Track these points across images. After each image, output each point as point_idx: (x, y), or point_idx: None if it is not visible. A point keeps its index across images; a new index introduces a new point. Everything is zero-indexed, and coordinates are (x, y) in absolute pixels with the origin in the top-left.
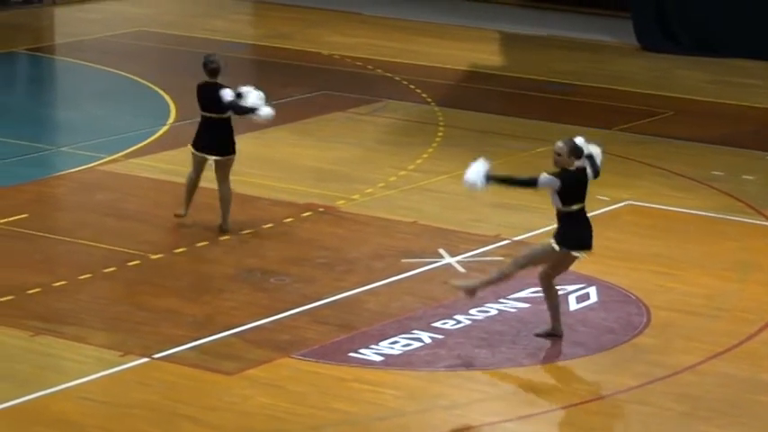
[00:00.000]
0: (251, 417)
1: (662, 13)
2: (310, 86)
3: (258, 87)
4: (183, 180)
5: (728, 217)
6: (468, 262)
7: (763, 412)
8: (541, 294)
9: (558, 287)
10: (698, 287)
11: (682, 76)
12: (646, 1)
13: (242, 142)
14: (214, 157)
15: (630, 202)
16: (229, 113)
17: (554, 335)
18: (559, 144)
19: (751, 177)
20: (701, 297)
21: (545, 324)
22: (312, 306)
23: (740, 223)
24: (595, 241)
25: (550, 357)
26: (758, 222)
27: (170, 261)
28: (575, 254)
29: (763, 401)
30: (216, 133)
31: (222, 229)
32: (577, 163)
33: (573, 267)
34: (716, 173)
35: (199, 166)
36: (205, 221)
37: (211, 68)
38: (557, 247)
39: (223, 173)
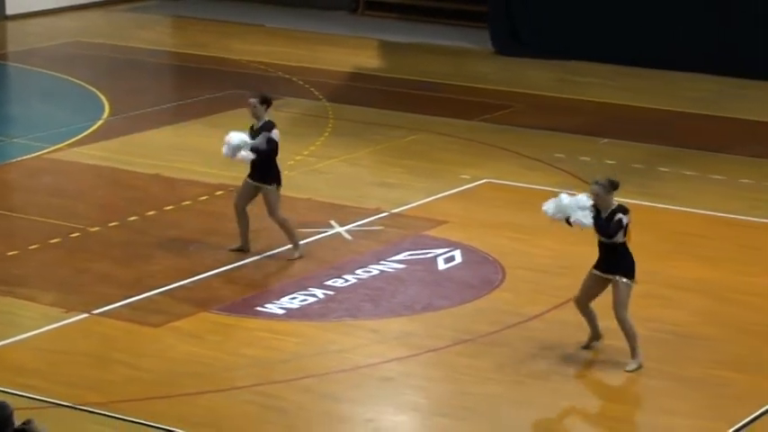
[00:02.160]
0: (175, 362)
1: (513, 23)
2: (221, 87)
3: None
4: (116, 165)
5: (569, 191)
6: (354, 231)
7: (595, 351)
8: (416, 257)
9: (427, 251)
10: (545, 250)
11: (530, 75)
12: (499, 13)
13: (163, 134)
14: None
15: (488, 179)
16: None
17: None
18: (594, 186)
19: (587, 159)
20: (547, 258)
21: (416, 281)
22: (225, 269)
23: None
24: (459, 213)
25: (423, 309)
26: None
27: (106, 233)
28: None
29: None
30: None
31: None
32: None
33: (441, 234)
34: (558, 155)
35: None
36: (136, 199)
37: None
38: (632, 282)
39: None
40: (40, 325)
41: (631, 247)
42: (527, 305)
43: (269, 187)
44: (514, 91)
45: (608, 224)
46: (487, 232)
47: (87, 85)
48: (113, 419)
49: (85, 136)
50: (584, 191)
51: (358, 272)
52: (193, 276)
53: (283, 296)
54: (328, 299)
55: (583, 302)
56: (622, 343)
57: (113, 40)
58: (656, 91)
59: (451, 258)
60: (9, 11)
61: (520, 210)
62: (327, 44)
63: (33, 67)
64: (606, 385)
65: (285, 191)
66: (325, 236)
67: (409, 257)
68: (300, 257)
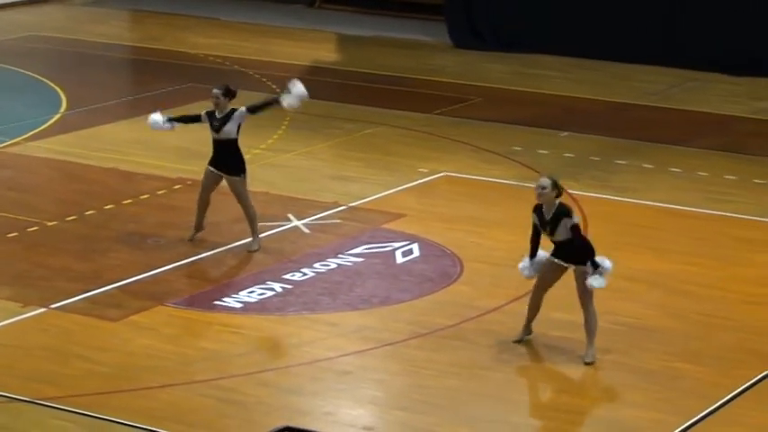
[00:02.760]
0: (133, 355)
1: (470, 16)
2: (179, 80)
3: (137, 82)
4: (73, 159)
5: (526, 184)
6: (312, 224)
7: (553, 344)
8: (373, 250)
9: (385, 244)
10: (502, 243)
11: (487, 68)
12: (457, 6)
13: (120, 128)
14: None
15: (446, 173)
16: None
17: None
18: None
19: (545, 152)
20: (505, 251)
21: (374, 274)
22: (182, 263)
23: None
24: (417, 206)
25: (380, 302)
26: None
27: (63, 227)
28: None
29: (554, 335)
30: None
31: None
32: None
33: (399, 227)
34: (516, 148)
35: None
36: (94, 192)
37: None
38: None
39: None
40: None
41: (589, 238)
42: (485, 298)
43: (236, 178)
44: (472, 84)
45: (555, 225)
46: (445, 226)
47: (44, 79)
48: (72, 414)
49: (42, 130)
50: None
51: (316, 265)
52: (151, 270)
53: (241, 290)
54: (286, 292)
55: (541, 290)
56: (578, 335)
57: (70, 34)
58: (613, 84)
59: (409, 252)
60: None
61: (478, 203)
62: (284, 37)
63: None
64: (564, 377)
65: None
66: (283, 229)
67: (367, 251)
68: (257, 250)
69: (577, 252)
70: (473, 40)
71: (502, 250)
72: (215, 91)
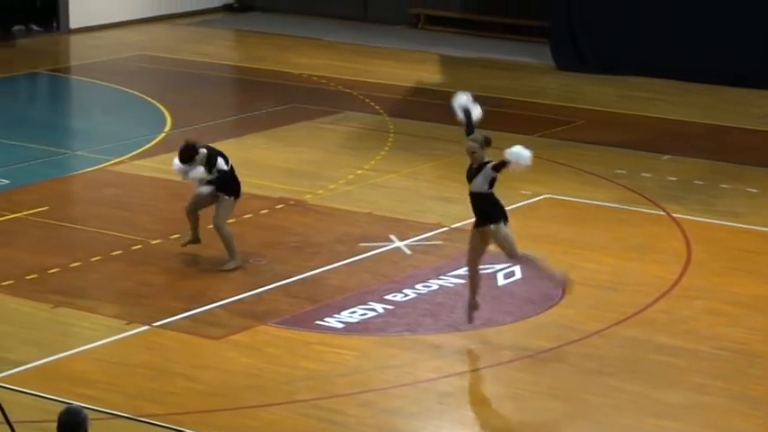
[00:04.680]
0: (233, 374)
1: (574, 38)
2: (281, 100)
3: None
4: (177, 178)
5: (629, 207)
6: (414, 245)
7: (656, 369)
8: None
9: (487, 266)
10: (604, 265)
11: (591, 91)
12: (561, 28)
13: (224, 147)
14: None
15: (548, 195)
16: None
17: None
18: (471, 143)
19: (648, 175)
20: (607, 274)
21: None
22: (285, 282)
23: (639, 213)
24: (520, 228)
25: (483, 324)
26: (653, 212)
27: (167, 245)
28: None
29: (657, 360)
30: None
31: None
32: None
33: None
34: (619, 171)
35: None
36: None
37: None
38: (506, 225)
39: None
40: (101, 336)
41: (692, 262)
42: (587, 321)
43: (226, 198)
44: (575, 106)
45: (477, 173)
46: (547, 248)
47: (150, 99)
48: (173, 431)
49: (148, 149)
50: (645, 207)
51: (418, 286)
52: (253, 290)
53: (343, 310)
54: (388, 313)
55: (474, 262)
56: (681, 360)
57: (176, 54)
58: (716, 107)
59: (511, 274)
60: (73, 24)
61: (580, 226)
62: (387, 58)
63: (97, 80)
64: (667, 403)
65: (346, 205)
66: (385, 250)
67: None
68: (237, 268)
69: (491, 209)
70: (577, 63)
71: (604, 273)
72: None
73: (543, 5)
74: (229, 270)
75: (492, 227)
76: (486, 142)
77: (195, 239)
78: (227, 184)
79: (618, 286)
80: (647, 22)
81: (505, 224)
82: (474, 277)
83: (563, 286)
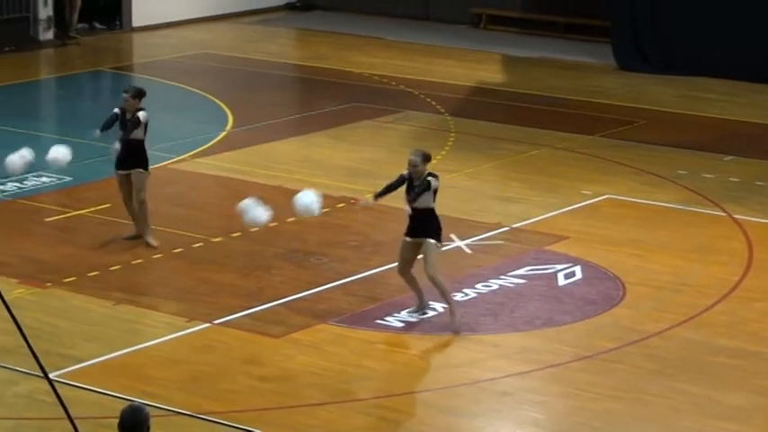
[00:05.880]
0: (293, 372)
1: (636, 38)
2: (343, 99)
3: (302, 101)
4: (238, 176)
5: (691, 208)
6: (475, 245)
7: (718, 371)
8: (536, 272)
9: (548, 266)
10: (665, 266)
11: (653, 91)
12: (623, 28)
13: (285, 146)
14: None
15: (609, 196)
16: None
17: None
18: (413, 157)
19: (710, 176)
20: (668, 274)
21: (536, 296)
22: (345, 281)
23: (700, 214)
24: (580, 229)
25: (543, 324)
26: (715, 213)
27: (228, 243)
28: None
29: (718, 361)
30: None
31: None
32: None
33: (561, 250)
34: (681, 172)
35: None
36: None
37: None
38: (440, 245)
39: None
40: (162, 334)
41: (753, 264)
42: (648, 322)
43: (141, 171)
44: (637, 107)
45: (420, 193)
46: (608, 248)
47: (211, 97)
48: (234, 429)
49: (209, 147)
50: (707, 208)
51: (478, 286)
52: (314, 288)
53: (403, 309)
54: (448, 312)
55: (404, 270)
56: (744, 362)
57: (238, 53)
58: None
59: (572, 274)
60: (136, 23)
61: (641, 226)
62: (449, 57)
63: (159, 78)
64: (729, 405)
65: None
66: (446, 249)
67: (529, 272)
68: (157, 246)
69: (429, 225)
70: (639, 63)
71: (665, 274)
72: (125, 95)
73: (605, 5)
74: (153, 246)
75: (429, 241)
76: (427, 158)
77: (140, 232)
78: (141, 156)
79: (679, 287)
80: (709, 22)
81: (439, 242)
82: (411, 283)
83: (456, 329)
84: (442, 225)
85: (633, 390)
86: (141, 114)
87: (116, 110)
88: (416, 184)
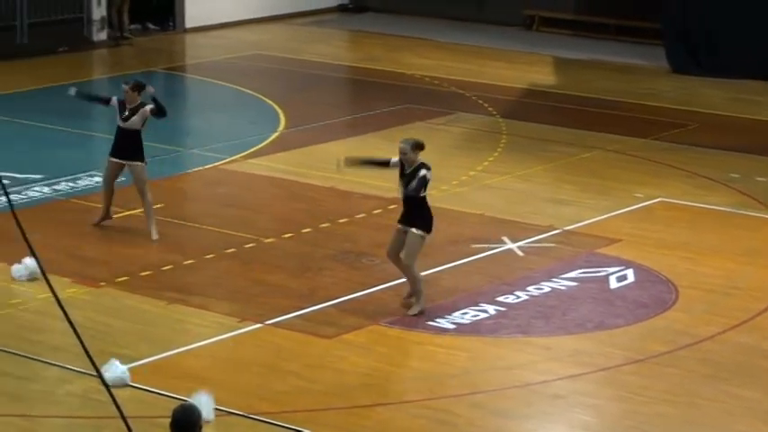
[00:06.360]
0: (344, 373)
1: (689, 41)
2: (395, 100)
3: (354, 102)
4: (291, 177)
5: (743, 212)
6: (527, 247)
7: None
8: (588, 274)
9: (600, 269)
10: (717, 270)
11: (705, 94)
12: (676, 31)
13: (337, 147)
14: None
15: (662, 199)
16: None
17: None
18: (402, 145)
19: (762, 179)
20: (720, 278)
21: (588, 299)
22: (396, 282)
23: (753, 217)
24: (632, 232)
25: (595, 327)
26: (767, 216)
27: (280, 244)
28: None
29: None
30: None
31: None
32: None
33: (613, 252)
34: (733, 175)
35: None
36: (310, 211)
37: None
38: (425, 234)
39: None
40: (213, 334)
41: None
42: (700, 326)
43: (140, 164)
44: (689, 109)
45: (411, 179)
46: (661, 252)
47: (264, 98)
48: (285, 430)
49: (261, 148)
50: (759, 211)
51: (530, 288)
52: (365, 289)
53: (454, 311)
54: (500, 315)
55: (392, 255)
56: None
57: (291, 54)
58: None
59: (624, 277)
60: (189, 23)
61: (694, 229)
62: (501, 59)
63: (211, 79)
64: None
65: (458, 206)
66: (498, 251)
67: (581, 275)
68: (156, 239)
69: (414, 214)
70: (691, 65)
71: (718, 277)
72: (125, 86)
73: (658, 7)
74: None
75: (413, 230)
76: (418, 146)
77: (107, 215)
78: (138, 147)
79: (730, 291)
80: (763, 25)
81: (427, 233)
82: (400, 269)
83: (413, 311)
84: (494, 228)
85: (686, 393)
86: (148, 108)
87: (115, 99)
88: (407, 172)
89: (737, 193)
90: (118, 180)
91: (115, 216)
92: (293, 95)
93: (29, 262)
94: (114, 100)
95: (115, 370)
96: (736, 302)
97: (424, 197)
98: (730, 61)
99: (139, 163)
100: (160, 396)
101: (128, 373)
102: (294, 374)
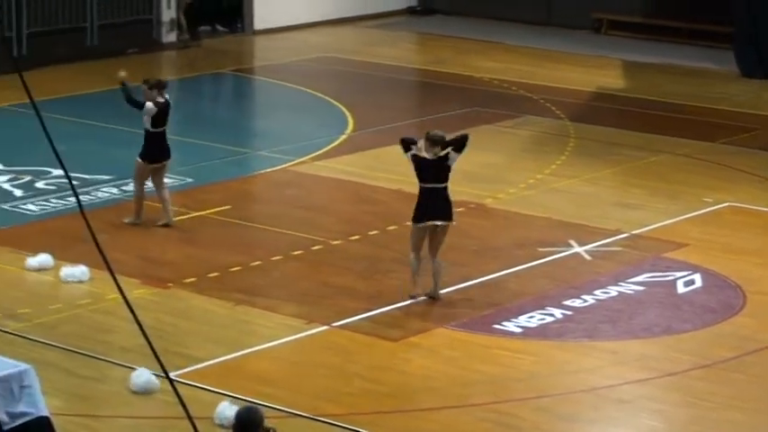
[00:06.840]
0: (410, 375)
1: (759, 45)
2: (463, 103)
3: (422, 105)
4: (358, 179)
5: None
6: (594, 251)
7: None
8: (655, 279)
9: (667, 273)
10: None
11: None
12: (746, 35)
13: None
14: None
15: (731, 203)
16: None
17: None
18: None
19: None
20: None
21: (655, 303)
22: (463, 285)
23: None
24: (700, 236)
25: (662, 332)
26: None
27: (347, 246)
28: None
29: None
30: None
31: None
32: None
33: (681, 257)
34: None
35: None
36: (378, 213)
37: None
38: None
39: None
40: (280, 335)
41: None
42: (767, 331)
43: (137, 159)
44: (758, 113)
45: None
46: (729, 256)
47: (332, 100)
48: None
49: (329, 150)
50: None
51: (596, 292)
52: None
53: (521, 315)
54: (566, 319)
55: (418, 252)
56: None
57: (359, 56)
58: None
59: (691, 282)
60: (257, 25)
61: (762, 234)
62: (570, 63)
63: (280, 81)
64: None
65: (526, 209)
66: (565, 255)
67: (649, 279)
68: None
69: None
70: (762, 70)
71: None
72: (143, 86)
73: (727, 10)
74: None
75: (442, 223)
76: (446, 142)
77: (138, 219)
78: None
79: None
80: None
81: (414, 222)
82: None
83: (433, 295)
84: (561, 231)
85: (753, 399)
86: (148, 105)
87: (150, 103)
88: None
89: None
90: (185, 182)
91: (182, 217)
92: (361, 98)
93: (77, 270)
94: (151, 104)
95: (146, 377)
96: None
97: (447, 186)
98: None
99: (137, 158)
100: (226, 397)
101: (157, 381)
102: (360, 377)
